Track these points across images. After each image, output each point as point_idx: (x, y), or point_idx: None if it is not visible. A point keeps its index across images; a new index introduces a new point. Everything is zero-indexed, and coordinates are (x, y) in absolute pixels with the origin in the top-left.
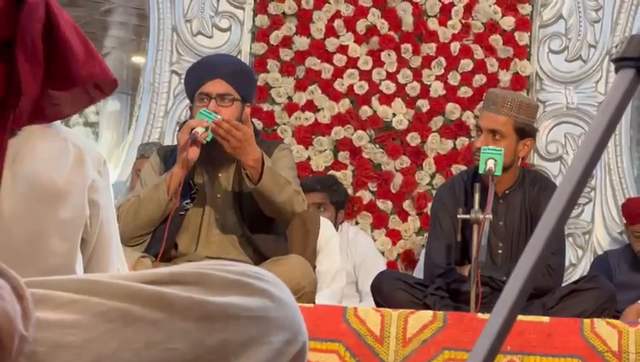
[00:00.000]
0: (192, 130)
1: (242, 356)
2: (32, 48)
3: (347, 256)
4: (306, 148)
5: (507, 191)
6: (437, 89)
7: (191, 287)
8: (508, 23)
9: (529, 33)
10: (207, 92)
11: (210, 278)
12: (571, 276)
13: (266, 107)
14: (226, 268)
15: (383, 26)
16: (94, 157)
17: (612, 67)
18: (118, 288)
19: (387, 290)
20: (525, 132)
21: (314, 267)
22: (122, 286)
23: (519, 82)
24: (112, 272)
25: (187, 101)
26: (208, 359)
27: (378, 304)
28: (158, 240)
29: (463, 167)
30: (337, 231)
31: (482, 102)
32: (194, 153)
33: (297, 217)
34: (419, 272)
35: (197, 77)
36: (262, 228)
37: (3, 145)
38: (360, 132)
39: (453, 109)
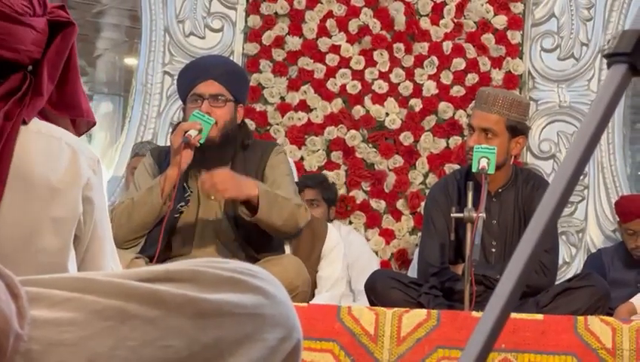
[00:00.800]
0: (185, 133)
1: (237, 353)
2: (54, 69)
3: None
4: (299, 148)
5: (500, 190)
6: (429, 88)
7: (185, 285)
8: (500, 21)
9: (521, 32)
10: (200, 93)
11: (204, 276)
12: (565, 274)
13: (258, 107)
14: (220, 265)
15: (375, 26)
16: (88, 157)
17: (604, 65)
18: (113, 286)
19: (381, 289)
20: (517, 130)
21: (316, 271)
22: (117, 284)
23: (512, 81)
24: (106, 270)
25: (180, 102)
26: (203, 356)
27: (372, 303)
28: (153, 241)
29: (456, 166)
30: None
31: (474, 101)
32: (187, 156)
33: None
34: (413, 271)
35: (190, 78)
36: (255, 230)
37: (17, 128)
38: (353, 131)
39: (446, 108)
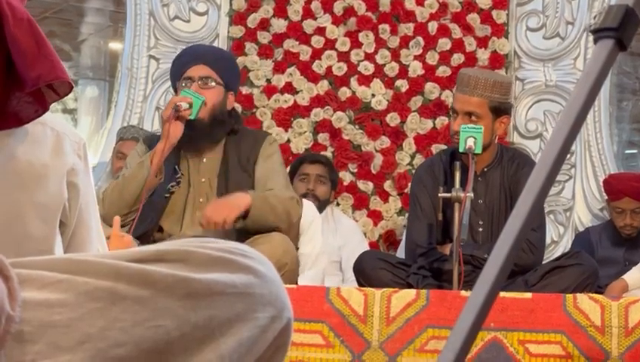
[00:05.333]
0: (176, 105)
1: (228, 332)
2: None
3: (332, 237)
4: (286, 131)
5: (486, 169)
6: (415, 69)
7: (176, 265)
8: (485, 1)
9: (506, 11)
10: (190, 76)
11: (195, 255)
12: (553, 253)
13: (244, 90)
14: (210, 245)
15: (361, 7)
16: (73, 141)
17: (590, 44)
18: (103, 267)
19: (370, 270)
20: (501, 110)
21: (296, 248)
22: (107, 264)
23: (497, 60)
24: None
25: (166, 86)
26: (194, 335)
27: (360, 284)
28: (143, 221)
29: (443, 147)
30: (326, 210)
31: (455, 85)
32: (177, 129)
33: None
34: (401, 252)
35: (181, 63)
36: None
37: None
38: (339, 113)
39: (432, 89)
